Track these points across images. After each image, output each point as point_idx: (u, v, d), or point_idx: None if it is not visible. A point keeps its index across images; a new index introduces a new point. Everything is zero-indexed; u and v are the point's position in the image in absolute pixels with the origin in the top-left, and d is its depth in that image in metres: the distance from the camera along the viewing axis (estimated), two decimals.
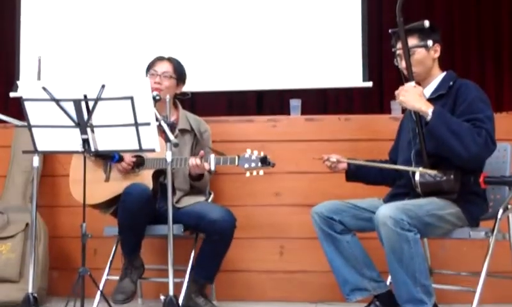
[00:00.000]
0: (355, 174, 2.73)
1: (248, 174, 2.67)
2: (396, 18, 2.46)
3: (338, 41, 4.50)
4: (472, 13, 5.05)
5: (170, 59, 3.07)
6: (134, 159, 2.87)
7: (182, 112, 3.10)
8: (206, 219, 2.77)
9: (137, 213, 2.71)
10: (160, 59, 3.07)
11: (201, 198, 2.98)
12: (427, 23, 2.44)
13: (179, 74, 3.05)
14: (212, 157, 2.74)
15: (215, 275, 2.91)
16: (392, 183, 2.71)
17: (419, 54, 2.51)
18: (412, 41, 2.51)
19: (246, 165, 2.67)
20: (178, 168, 2.90)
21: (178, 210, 2.86)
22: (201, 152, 2.79)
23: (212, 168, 2.75)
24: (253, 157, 2.67)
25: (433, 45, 2.52)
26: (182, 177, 2.95)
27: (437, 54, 2.57)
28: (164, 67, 3.02)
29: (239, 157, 2.69)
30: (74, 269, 2.56)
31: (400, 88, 2.44)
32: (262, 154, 2.67)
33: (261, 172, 2.67)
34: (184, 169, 2.91)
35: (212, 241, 2.79)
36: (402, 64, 2.50)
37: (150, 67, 3.06)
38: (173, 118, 3.01)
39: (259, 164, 2.66)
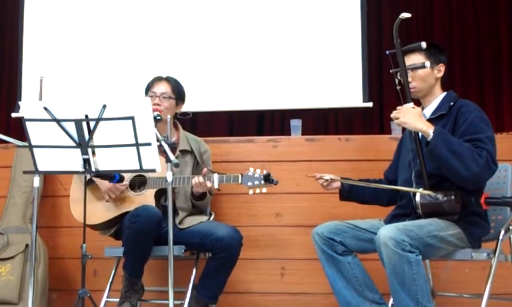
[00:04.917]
0: (349, 193, 2.74)
1: (250, 191, 2.70)
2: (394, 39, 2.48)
3: (338, 62, 4.53)
4: (471, 33, 5.10)
5: (168, 79, 3.07)
6: (123, 187, 2.85)
7: (182, 132, 3.11)
8: (213, 236, 2.76)
9: (145, 237, 2.68)
10: (158, 79, 3.07)
11: (204, 218, 2.97)
12: (423, 44, 2.47)
13: (178, 94, 3.06)
14: (216, 175, 2.75)
15: (219, 295, 2.88)
16: (386, 204, 2.72)
17: (423, 70, 2.53)
18: (419, 57, 2.53)
19: (249, 183, 2.69)
20: (180, 187, 2.89)
21: (180, 230, 2.85)
22: (205, 170, 2.80)
23: (216, 186, 2.76)
24: (256, 175, 2.70)
25: (437, 64, 2.56)
26: (183, 196, 2.95)
27: (440, 74, 2.58)
28: (163, 88, 3.03)
29: (242, 175, 2.71)
30: (74, 291, 2.56)
31: (399, 108, 2.45)
32: (265, 172, 2.70)
33: (264, 189, 2.70)
34: (185, 188, 2.91)
35: (219, 259, 2.77)
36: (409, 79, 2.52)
37: (148, 88, 3.06)
38: (173, 139, 3.02)
39: (262, 181, 2.69)
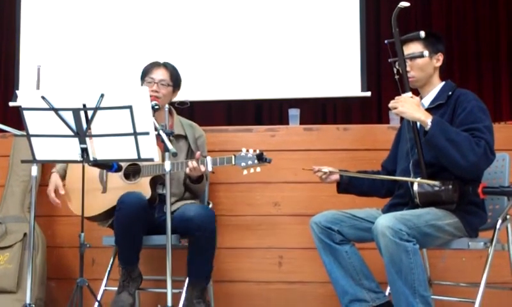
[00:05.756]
0: (347, 186, 2.73)
1: (245, 172, 2.68)
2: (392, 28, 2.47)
3: (337, 51, 4.52)
4: (469, 23, 5.09)
5: (166, 66, 3.04)
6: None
7: (177, 117, 3.09)
8: (184, 218, 2.76)
9: (132, 222, 2.69)
10: (156, 65, 3.04)
11: (188, 202, 2.95)
12: (422, 33, 2.46)
13: (175, 81, 3.04)
14: (209, 158, 2.75)
15: (209, 274, 2.87)
16: (384, 195, 2.71)
17: (421, 59, 2.52)
18: (417, 47, 2.53)
19: (243, 164, 2.68)
20: (173, 173, 2.89)
21: (171, 214, 2.84)
22: (197, 153, 2.79)
23: (210, 169, 2.75)
24: (249, 155, 2.68)
25: (436, 53, 2.55)
26: (176, 182, 2.95)
27: (439, 63, 2.58)
28: (161, 74, 3.00)
29: (235, 156, 2.70)
30: (72, 279, 2.56)
31: (396, 98, 2.45)
32: (257, 151, 2.69)
33: (258, 169, 2.69)
34: (178, 174, 2.91)
35: (195, 239, 2.75)
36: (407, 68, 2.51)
37: (145, 73, 3.04)
38: (168, 124, 3.01)
39: (256, 161, 2.67)
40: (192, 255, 2.81)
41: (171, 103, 3.09)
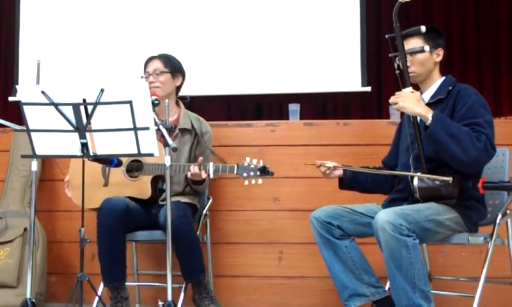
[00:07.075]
0: (350, 182, 2.70)
1: (246, 182, 2.66)
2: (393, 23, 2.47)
3: (337, 46, 4.51)
4: (470, 17, 5.08)
5: (159, 56, 3.06)
6: None
7: (184, 111, 3.09)
8: (160, 220, 2.77)
9: (110, 228, 2.69)
10: (150, 59, 3.07)
11: (184, 199, 2.93)
12: (423, 28, 2.45)
13: (172, 67, 3.03)
14: (211, 164, 2.72)
15: (198, 269, 2.85)
16: (389, 191, 2.70)
17: (422, 54, 2.52)
18: (418, 42, 2.52)
19: (245, 174, 2.64)
20: (175, 175, 2.89)
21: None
22: (200, 159, 2.77)
23: (211, 175, 2.73)
24: (252, 166, 2.64)
25: (436, 48, 2.55)
26: (177, 181, 2.95)
27: (439, 58, 2.58)
28: (154, 65, 3.02)
29: (238, 165, 2.67)
30: (72, 274, 2.57)
31: (397, 94, 2.44)
32: (261, 163, 2.65)
33: (260, 181, 2.65)
34: (179, 174, 2.90)
35: (174, 241, 2.62)
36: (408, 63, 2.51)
37: (144, 70, 3.06)
38: (174, 117, 3.02)
39: (258, 173, 2.63)
40: (177, 256, 2.78)
41: (177, 92, 3.08)
